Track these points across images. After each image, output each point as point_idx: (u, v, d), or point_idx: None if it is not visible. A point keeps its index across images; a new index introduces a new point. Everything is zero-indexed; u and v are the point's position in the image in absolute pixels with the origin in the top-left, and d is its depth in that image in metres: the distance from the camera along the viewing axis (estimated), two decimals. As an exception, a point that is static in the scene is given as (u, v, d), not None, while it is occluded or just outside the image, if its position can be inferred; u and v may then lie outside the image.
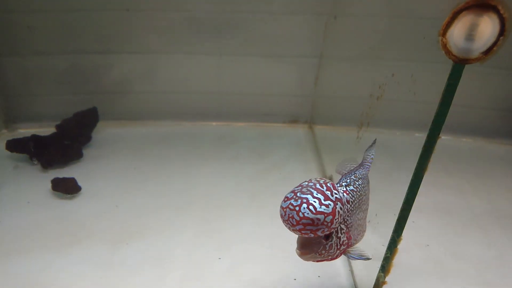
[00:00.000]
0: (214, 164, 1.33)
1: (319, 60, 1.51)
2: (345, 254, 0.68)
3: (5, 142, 1.32)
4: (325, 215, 0.57)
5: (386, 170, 1.20)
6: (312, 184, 0.61)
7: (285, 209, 0.59)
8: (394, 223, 0.68)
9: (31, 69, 1.48)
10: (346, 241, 0.66)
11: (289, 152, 1.41)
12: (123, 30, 1.44)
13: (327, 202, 0.58)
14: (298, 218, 0.57)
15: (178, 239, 1.00)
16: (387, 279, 0.73)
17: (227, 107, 1.63)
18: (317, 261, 0.65)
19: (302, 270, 0.90)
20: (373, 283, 0.75)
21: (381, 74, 1.17)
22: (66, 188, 1.11)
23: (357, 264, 0.92)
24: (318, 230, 0.58)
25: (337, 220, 0.59)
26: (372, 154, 0.79)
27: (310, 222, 0.57)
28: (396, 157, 1.21)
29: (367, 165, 0.77)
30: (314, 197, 0.58)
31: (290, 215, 0.58)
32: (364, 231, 0.74)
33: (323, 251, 0.63)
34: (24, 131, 1.46)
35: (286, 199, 0.61)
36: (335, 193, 0.60)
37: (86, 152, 1.33)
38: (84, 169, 1.26)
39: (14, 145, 1.27)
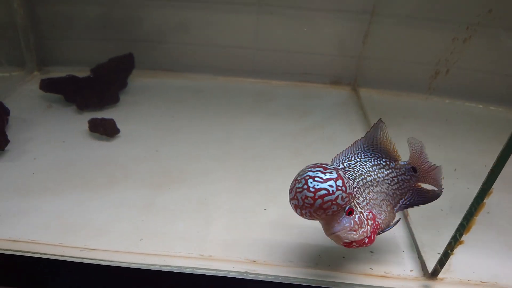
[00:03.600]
0: (252, 119, 1.27)
1: (370, 17, 1.40)
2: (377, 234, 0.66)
3: (39, 82, 1.28)
4: (334, 179, 0.57)
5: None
6: (304, 168, 0.61)
7: (295, 197, 0.58)
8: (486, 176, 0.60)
9: (65, 14, 1.42)
10: (372, 216, 0.63)
11: (331, 113, 1.33)
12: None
13: (328, 171, 0.58)
14: (311, 194, 0.56)
15: (221, 186, 0.95)
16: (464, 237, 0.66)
17: (264, 64, 1.55)
18: (355, 243, 0.62)
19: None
20: (446, 243, 0.69)
21: (444, 39, 1.08)
22: (105, 129, 1.06)
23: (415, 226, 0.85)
24: (337, 198, 0.57)
25: (348, 184, 0.58)
26: (375, 138, 0.71)
27: (326, 191, 0.56)
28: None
29: (371, 151, 0.71)
30: (314, 172, 0.58)
31: (302, 198, 0.57)
32: (393, 215, 0.70)
33: (356, 226, 0.60)
34: (57, 74, 1.41)
35: (290, 191, 0.60)
36: (330, 166, 0.60)
37: (122, 97, 1.28)
38: (121, 113, 1.21)
39: (49, 85, 1.22)
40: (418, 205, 0.71)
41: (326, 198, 0.56)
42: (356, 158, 0.69)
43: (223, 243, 0.78)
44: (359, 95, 1.45)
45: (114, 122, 1.08)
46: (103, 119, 1.08)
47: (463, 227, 0.65)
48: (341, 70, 1.51)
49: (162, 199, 0.90)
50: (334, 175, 0.57)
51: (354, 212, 0.61)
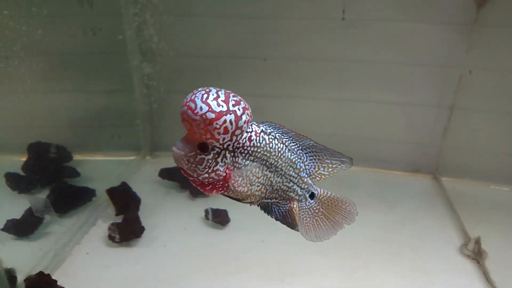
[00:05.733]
0: (342, 208, 1.36)
1: (450, 111, 1.50)
2: (226, 195, 0.62)
3: (153, 167, 1.51)
4: (210, 109, 0.52)
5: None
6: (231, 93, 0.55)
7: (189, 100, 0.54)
8: None
9: (176, 106, 1.67)
10: (222, 175, 0.58)
11: (418, 204, 1.40)
12: (260, 76, 1.58)
13: (222, 104, 0.52)
14: (190, 99, 0.53)
15: (327, 284, 1.03)
16: None
17: (343, 149, 1.66)
18: (184, 172, 0.59)
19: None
20: None
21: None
22: (219, 219, 1.21)
23: None
24: (194, 121, 0.52)
25: (218, 129, 0.53)
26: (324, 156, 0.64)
27: (193, 105, 0.52)
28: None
29: (306, 152, 0.63)
30: (216, 93, 0.53)
31: (189, 99, 0.53)
32: (255, 198, 0.63)
33: (191, 159, 0.56)
34: (165, 159, 1.64)
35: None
36: (239, 112, 0.54)
37: (225, 184, 1.45)
38: (226, 199, 1.36)
39: (167, 174, 1.43)
40: (274, 218, 0.66)
41: (189, 112, 0.53)
42: (289, 142, 0.63)
43: None
44: (442, 185, 1.51)
45: (226, 212, 1.24)
46: (217, 210, 1.24)
47: None
48: (421, 158, 1.59)
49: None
50: (216, 108, 0.52)
51: (206, 153, 0.56)
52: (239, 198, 0.63)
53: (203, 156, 0.56)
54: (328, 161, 0.65)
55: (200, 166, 0.56)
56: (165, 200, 1.38)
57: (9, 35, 1.35)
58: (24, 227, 1.15)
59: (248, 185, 0.61)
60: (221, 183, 0.59)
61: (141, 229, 1.16)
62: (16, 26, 1.33)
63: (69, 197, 1.26)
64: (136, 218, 1.18)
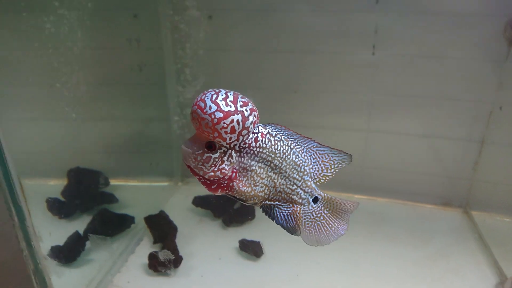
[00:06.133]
0: (373, 242, 1.37)
1: (480, 145, 1.51)
2: (230, 195, 0.62)
3: (185, 194, 1.56)
4: (219, 109, 0.54)
5: None
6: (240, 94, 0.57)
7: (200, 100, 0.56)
8: None
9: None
10: (228, 174, 0.59)
11: (450, 240, 1.40)
12: (290, 107, 1.63)
13: (231, 104, 0.55)
14: (201, 98, 0.55)
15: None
16: None
17: (372, 181, 1.69)
18: (191, 170, 0.60)
19: None
20: None
21: None
22: (253, 250, 1.24)
23: None
24: (203, 120, 0.54)
25: (225, 128, 0.54)
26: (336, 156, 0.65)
27: (202, 105, 0.54)
28: None
29: (310, 154, 0.64)
30: (225, 94, 0.55)
31: (199, 99, 0.56)
32: (260, 199, 0.63)
33: (199, 157, 0.57)
34: (196, 186, 1.68)
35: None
36: (247, 112, 0.55)
37: (257, 213, 1.48)
38: (258, 229, 1.40)
39: (200, 201, 1.47)
40: (275, 222, 0.67)
41: (199, 111, 0.55)
42: (294, 144, 0.63)
43: None
44: (473, 220, 1.50)
45: (260, 244, 1.26)
46: (252, 241, 1.27)
47: None
48: (451, 192, 1.59)
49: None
50: (225, 108, 0.54)
51: (213, 152, 0.58)
52: (243, 199, 0.63)
53: (210, 154, 0.58)
54: (330, 160, 0.65)
55: (206, 164, 0.58)
56: (199, 228, 1.41)
57: (57, 65, 1.44)
58: (68, 254, 1.20)
59: (252, 186, 0.62)
60: (226, 182, 0.60)
61: (180, 259, 1.19)
62: (65, 58, 1.43)
63: (110, 224, 1.31)
64: (175, 248, 1.22)
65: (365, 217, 1.52)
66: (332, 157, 0.65)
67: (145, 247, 1.29)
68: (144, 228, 1.36)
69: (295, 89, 1.58)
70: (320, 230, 0.68)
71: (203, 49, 1.54)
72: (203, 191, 1.63)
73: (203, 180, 0.61)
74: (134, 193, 1.60)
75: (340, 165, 0.66)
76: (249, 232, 1.36)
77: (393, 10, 1.42)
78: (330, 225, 0.68)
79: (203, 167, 0.58)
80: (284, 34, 1.51)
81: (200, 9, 1.50)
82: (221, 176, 0.59)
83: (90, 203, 1.45)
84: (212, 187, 0.61)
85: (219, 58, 1.57)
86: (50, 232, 1.32)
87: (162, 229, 1.30)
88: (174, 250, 1.22)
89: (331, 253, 1.30)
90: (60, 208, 1.42)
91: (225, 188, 0.61)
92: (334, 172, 0.65)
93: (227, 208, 1.44)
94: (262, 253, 1.25)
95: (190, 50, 1.54)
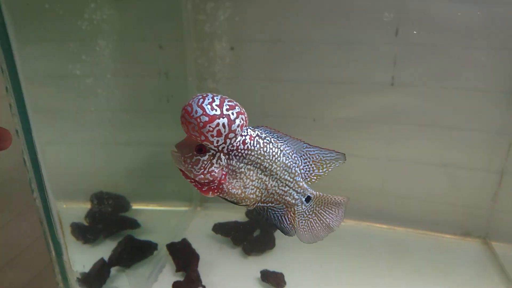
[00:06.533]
0: (394, 274, 1.36)
1: (500, 176, 1.51)
2: (222, 197, 0.62)
3: (204, 219, 1.57)
4: (204, 113, 0.55)
5: None
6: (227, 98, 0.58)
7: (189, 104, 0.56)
8: None
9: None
10: (218, 177, 0.60)
11: (472, 272, 1.39)
12: (309, 135, 1.65)
13: (216, 108, 0.55)
14: (188, 103, 0.56)
15: None
16: None
17: (392, 209, 1.69)
18: (183, 173, 0.61)
19: None
20: None
21: None
22: (276, 281, 1.25)
23: None
24: (190, 124, 0.55)
25: (211, 131, 0.56)
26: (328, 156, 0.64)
27: (189, 109, 0.55)
28: None
29: (301, 155, 0.64)
30: (212, 98, 0.56)
31: (187, 104, 0.56)
32: (252, 201, 0.63)
33: (188, 160, 0.59)
34: (215, 211, 1.71)
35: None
36: (233, 116, 0.56)
37: (278, 241, 1.49)
38: (279, 258, 1.41)
39: (220, 228, 1.49)
40: (269, 223, 0.66)
41: (185, 115, 0.56)
42: (284, 146, 0.64)
43: None
44: (493, 251, 1.50)
45: (283, 275, 1.27)
46: (273, 272, 1.27)
47: None
48: (471, 222, 1.59)
49: None
50: (210, 112, 0.55)
51: (202, 155, 0.59)
52: (234, 201, 0.64)
53: (199, 157, 0.59)
54: (322, 160, 0.65)
55: (196, 166, 0.59)
56: (219, 256, 1.42)
57: (86, 94, 1.49)
58: (93, 281, 1.22)
59: (242, 188, 0.62)
60: (215, 184, 0.61)
61: (202, 289, 1.21)
62: (96, 88, 1.48)
63: (135, 251, 1.33)
64: (198, 277, 1.24)
65: (386, 247, 1.52)
66: (324, 156, 0.66)
67: (168, 275, 1.31)
68: (166, 254, 1.38)
69: (314, 117, 1.61)
70: (313, 227, 0.69)
71: (225, 78, 1.59)
72: (222, 216, 1.68)
73: (194, 183, 0.62)
74: (154, 218, 1.62)
75: (333, 164, 0.66)
76: (270, 261, 1.37)
77: (412, 43, 1.45)
78: (322, 222, 0.69)
79: (193, 170, 0.60)
80: (304, 64, 1.55)
81: (222, 40, 1.56)
82: (211, 178, 0.60)
83: (113, 228, 1.47)
84: (203, 189, 0.62)
85: (239, 87, 1.62)
86: (76, 260, 1.37)
87: (185, 257, 1.32)
88: (197, 279, 1.23)
89: (353, 286, 1.31)
90: (84, 233, 1.45)
91: (216, 191, 0.62)
92: (327, 171, 0.66)
93: (246, 236, 1.45)
94: (285, 283, 1.26)
95: (213, 81, 1.59)
